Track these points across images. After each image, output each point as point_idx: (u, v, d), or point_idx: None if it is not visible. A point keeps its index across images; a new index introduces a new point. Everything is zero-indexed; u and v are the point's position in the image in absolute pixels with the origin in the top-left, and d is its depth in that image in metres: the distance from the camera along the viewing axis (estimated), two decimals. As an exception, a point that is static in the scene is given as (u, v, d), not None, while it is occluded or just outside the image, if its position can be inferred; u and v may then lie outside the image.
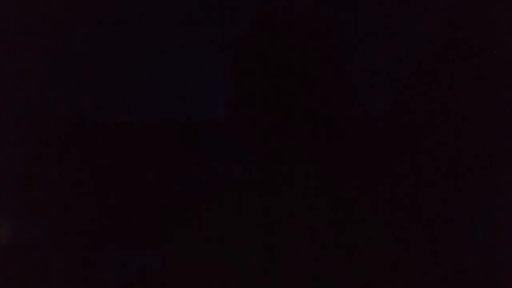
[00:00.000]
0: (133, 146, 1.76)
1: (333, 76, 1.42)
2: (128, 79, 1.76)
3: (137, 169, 1.75)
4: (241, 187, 1.41)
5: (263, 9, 1.46)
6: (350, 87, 1.44)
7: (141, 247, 1.74)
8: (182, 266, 1.38)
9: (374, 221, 1.41)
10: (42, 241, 1.75)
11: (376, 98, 1.72)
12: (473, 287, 1.68)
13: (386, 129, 1.72)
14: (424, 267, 1.58)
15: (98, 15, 1.76)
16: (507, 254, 1.69)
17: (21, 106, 1.77)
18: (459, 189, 1.71)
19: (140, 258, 1.73)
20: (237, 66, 1.43)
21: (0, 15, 1.76)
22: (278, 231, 1.36)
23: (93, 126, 1.76)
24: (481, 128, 1.71)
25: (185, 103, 1.76)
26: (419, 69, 1.73)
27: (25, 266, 1.73)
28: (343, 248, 1.37)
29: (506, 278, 1.68)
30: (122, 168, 1.76)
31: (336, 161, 1.43)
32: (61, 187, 1.75)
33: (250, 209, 1.38)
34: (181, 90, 1.76)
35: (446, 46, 1.73)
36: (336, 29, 1.44)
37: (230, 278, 1.36)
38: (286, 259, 1.35)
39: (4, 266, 1.73)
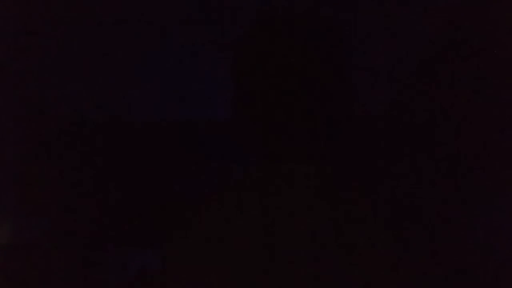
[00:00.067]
0: (133, 146, 1.76)
1: (333, 76, 1.42)
2: (128, 79, 1.76)
3: (137, 169, 1.75)
4: (241, 187, 1.41)
5: (263, 9, 1.46)
6: (350, 87, 1.44)
7: (141, 247, 1.74)
8: (182, 266, 1.38)
9: (374, 221, 1.40)
10: (42, 241, 1.75)
11: (376, 98, 1.72)
12: (473, 287, 1.68)
13: (386, 129, 1.72)
14: (424, 267, 1.58)
15: (98, 15, 1.76)
16: (507, 254, 1.69)
17: (21, 106, 1.77)
18: (459, 189, 1.71)
19: (140, 258, 1.73)
20: (237, 66, 1.43)
21: (0, 15, 1.76)
22: (278, 231, 1.36)
23: (93, 126, 1.76)
24: (481, 128, 1.71)
25: (185, 103, 1.76)
26: (419, 69, 1.73)
27: (25, 266, 1.73)
28: (343, 248, 1.37)
29: (506, 278, 1.68)
30: (122, 168, 1.76)
31: (336, 161, 1.43)
32: (61, 187, 1.75)
33: (250, 209, 1.38)
34: (181, 90, 1.76)
35: (446, 46, 1.73)
36: (336, 29, 1.44)
37: (230, 278, 1.36)
38: (286, 259, 1.35)
39: (4, 266, 1.73)
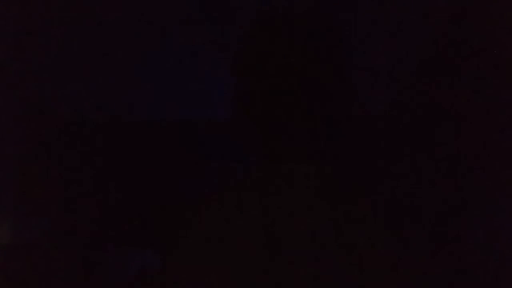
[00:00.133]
0: (133, 146, 1.76)
1: (333, 76, 1.42)
2: (128, 79, 1.76)
3: (137, 169, 1.75)
4: (241, 187, 1.41)
5: (263, 9, 1.46)
6: (350, 87, 1.44)
7: (141, 247, 1.74)
8: (182, 266, 1.38)
9: (374, 221, 1.40)
10: (42, 241, 1.75)
11: (376, 98, 1.72)
12: (473, 287, 1.68)
13: (386, 129, 1.72)
14: (424, 267, 1.58)
15: (98, 15, 1.76)
16: (507, 254, 1.69)
17: (21, 106, 1.77)
18: (459, 189, 1.71)
19: (140, 258, 1.73)
20: (237, 66, 1.43)
21: (0, 15, 1.76)
22: (278, 231, 1.36)
23: (93, 126, 1.76)
24: (481, 128, 1.71)
25: (185, 103, 1.76)
26: (419, 69, 1.73)
27: (25, 266, 1.73)
28: (343, 248, 1.37)
29: (506, 278, 1.68)
30: (122, 168, 1.75)
31: (336, 161, 1.43)
32: (61, 187, 1.75)
33: (250, 209, 1.38)
34: (181, 90, 1.76)
35: (446, 46, 1.73)
36: (336, 29, 1.44)
37: (230, 278, 1.36)
38: (286, 259, 1.35)
39: (4, 266, 1.73)
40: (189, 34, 1.75)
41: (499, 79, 1.72)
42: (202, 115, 1.75)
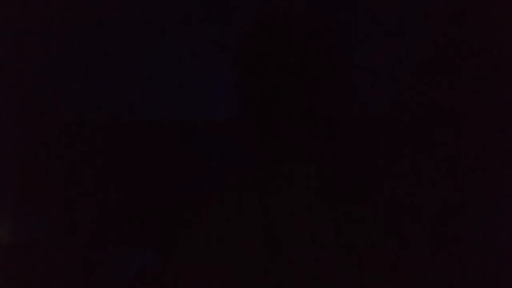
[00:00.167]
0: (133, 146, 1.76)
1: (333, 76, 1.42)
2: (128, 79, 1.76)
3: (137, 169, 1.75)
4: (241, 187, 1.41)
5: (263, 9, 1.46)
6: (350, 87, 1.44)
7: (141, 247, 1.74)
8: (182, 266, 1.38)
9: (374, 221, 1.40)
10: (42, 241, 1.75)
11: (376, 98, 1.72)
12: (473, 287, 1.68)
13: (386, 129, 1.72)
14: (424, 267, 1.58)
15: (98, 15, 1.76)
16: (507, 254, 1.69)
17: (21, 106, 1.77)
18: (459, 189, 1.71)
19: (140, 258, 1.73)
20: (237, 66, 1.43)
21: (0, 15, 1.76)
22: (278, 231, 1.36)
23: (93, 126, 1.76)
24: (481, 128, 1.71)
25: (185, 103, 1.76)
26: (419, 69, 1.73)
27: (25, 266, 1.73)
28: (343, 248, 1.36)
29: (506, 278, 1.68)
30: (122, 168, 1.75)
31: (336, 161, 1.43)
32: (61, 187, 1.75)
33: (250, 209, 1.38)
34: (181, 90, 1.76)
35: (446, 46, 1.73)
36: (336, 29, 1.44)
37: (230, 278, 1.36)
38: (286, 259, 1.35)
39: (4, 266, 1.73)
40: (189, 34, 1.75)
41: (499, 79, 1.72)
42: (202, 115, 1.75)
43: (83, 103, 1.76)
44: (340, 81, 1.42)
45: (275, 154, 1.41)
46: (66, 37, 1.76)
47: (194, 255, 1.37)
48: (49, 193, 1.75)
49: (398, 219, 1.62)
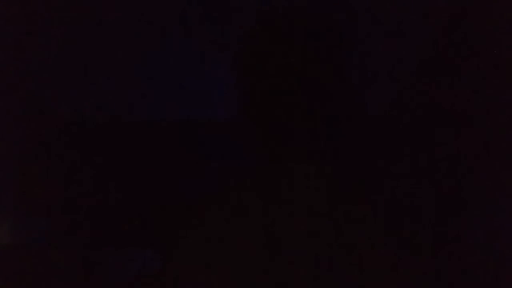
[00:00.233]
0: (133, 146, 1.76)
1: (333, 76, 1.41)
2: (128, 79, 1.76)
3: (137, 169, 1.75)
4: (241, 187, 1.41)
5: (263, 9, 1.45)
6: (350, 87, 1.44)
7: (141, 247, 1.74)
8: (182, 266, 1.38)
9: (374, 221, 1.40)
10: (42, 241, 1.75)
11: (376, 98, 1.72)
12: (473, 287, 1.67)
13: (386, 129, 1.72)
14: (424, 267, 1.58)
15: (98, 15, 1.76)
16: (507, 254, 1.69)
17: (21, 106, 1.77)
18: (459, 189, 1.71)
19: (140, 258, 1.73)
20: (237, 66, 1.43)
21: (0, 15, 1.76)
22: (278, 231, 1.36)
23: (93, 126, 1.76)
24: (481, 128, 1.71)
25: (185, 103, 1.75)
26: (419, 69, 1.73)
27: (25, 266, 1.73)
28: (343, 248, 1.36)
29: (506, 278, 1.68)
30: (122, 168, 1.75)
31: (336, 161, 1.43)
32: (61, 187, 1.75)
33: (250, 209, 1.38)
34: (181, 90, 1.75)
35: (446, 46, 1.73)
36: (337, 29, 1.44)
37: (230, 278, 1.36)
38: (286, 259, 1.35)
39: (4, 266, 1.73)
40: (189, 34, 1.75)
41: (499, 79, 1.72)
42: (202, 115, 1.75)
43: (83, 103, 1.76)
44: (340, 81, 1.42)
45: (275, 154, 1.41)
46: (66, 37, 1.76)
47: (194, 255, 1.37)
48: (49, 193, 1.75)
49: (398, 219, 1.62)
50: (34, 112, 1.76)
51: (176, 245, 1.39)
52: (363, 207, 1.40)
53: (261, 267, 1.34)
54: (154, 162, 1.75)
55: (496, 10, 1.72)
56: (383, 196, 1.65)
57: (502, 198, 1.71)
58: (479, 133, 1.71)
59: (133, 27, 1.76)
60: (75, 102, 1.76)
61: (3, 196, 1.76)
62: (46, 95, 1.76)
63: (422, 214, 1.69)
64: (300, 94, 1.37)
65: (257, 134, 1.40)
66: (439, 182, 1.70)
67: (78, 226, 1.74)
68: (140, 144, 1.75)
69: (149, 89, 1.76)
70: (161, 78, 1.76)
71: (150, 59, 1.75)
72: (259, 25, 1.41)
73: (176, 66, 1.76)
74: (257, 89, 1.38)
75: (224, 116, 1.68)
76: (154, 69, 1.75)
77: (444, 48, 1.73)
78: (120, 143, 1.75)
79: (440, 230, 1.69)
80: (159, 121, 1.76)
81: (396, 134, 1.71)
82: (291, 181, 1.38)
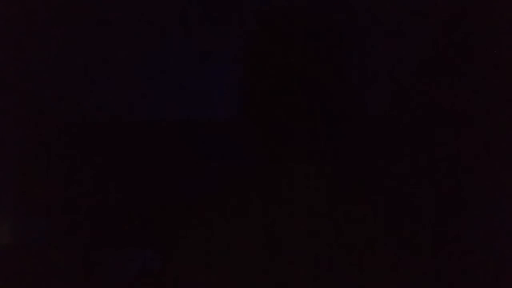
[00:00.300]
0: (133, 146, 1.76)
1: (333, 76, 1.42)
2: (128, 79, 1.76)
3: (137, 169, 1.75)
4: (241, 187, 1.41)
5: (264, 9, 1.46)
6: (350, 87, 1.44)
7: (141, 247, 1.74)
8: (182, 266, 1.38)
9: (374, 221, 1.40)
10: (42, 241, 1.75)
11: (376, 98, 1.72)
12: (473, 287, 1.67)
13: (386, 129, 1.72)
14: (424, 267, 1.58)
15: (98, 15, 1.76)
16: (507, 254, 1.69)
17: (21, 106, 1.77)
18: (459, 189, 1.71)
19: (140, 258, 1.73)
20: (237, 66, 1.43)
21: (0, 15, 1.76)
22: (278, 231, 1.36)
23: (93, 126, 1.76)
24: (481, 128, 1.71)
25: (185, 103, 1.75)
26: (419, 69, 1.73)
27: (25, 266, 1.73)
28: (343, 248, 1.37)
29: (506, 278, 1.68)
30: (122, 168, 1.75)
31: (336, 161, 1.43)
32: (61, 187, 1.75)
33: (250, 209, 1.38)
34: (181, 89, 1.75)
35: (446, 46, 1.73)
36: (337, 29, 1.44)
37: (230, 278, 1.36)
38: (286, 259, 1.35)
39: (4, 266, 1.73)
40: (189, 34, 1.75)
41: (499, 79, 1.72)
42: (202, 115, 1.75)
43: (83, 103, 1.76)
44: (340, 80, 1.42)
45: (275, 154, 1.41)
46: (66, 37, 1.76)
47: (194, 255, 1.37)
48: (49, 193, 1.75)
49: (398, 219, 1.62)
50: (34, 112, 1.76)
51: (176, 245, 1.39)
52: (363, 207, 1.40)
53: (261, 267, 1.34)
54: (154, 162, 1.75)
55: (496, 10, 1.72)
56: (383, 196, 1.65)
57: (502, 198, 1.71)
58: (479, 133, 1.71)
59: (133, 27, 1.76)
60: (75, 102, 1.76)
61: (3, 196, 1.76)
62: (46, 95, 1.76)
63: (422, 214, 1.69)
64: (300, 94, 1.37)
65: (257, 134, 1.40)
66: (439, 182, 1.70)
67: (78, 226, 1.74)
68: (140, 144, 1.75)
69: (149, 89, 1.76)
70: (161, 78, 1.76)
71: (150, 59, 1.75)
72: (259, 25, 1.41)
73: (176, 66, 1.76)
74: (257, 89, 1.38)
75: (224, 116, 1.68)
76: (154, 69, 1.76)
77: (444, 48, 1.73)
78: (120, 143, 1.75)
79: (440, 230, 1.69)
80: (159, 121, 1.76)
81: (396, 134, 1.71)
82: (291, 181, 1.38)
